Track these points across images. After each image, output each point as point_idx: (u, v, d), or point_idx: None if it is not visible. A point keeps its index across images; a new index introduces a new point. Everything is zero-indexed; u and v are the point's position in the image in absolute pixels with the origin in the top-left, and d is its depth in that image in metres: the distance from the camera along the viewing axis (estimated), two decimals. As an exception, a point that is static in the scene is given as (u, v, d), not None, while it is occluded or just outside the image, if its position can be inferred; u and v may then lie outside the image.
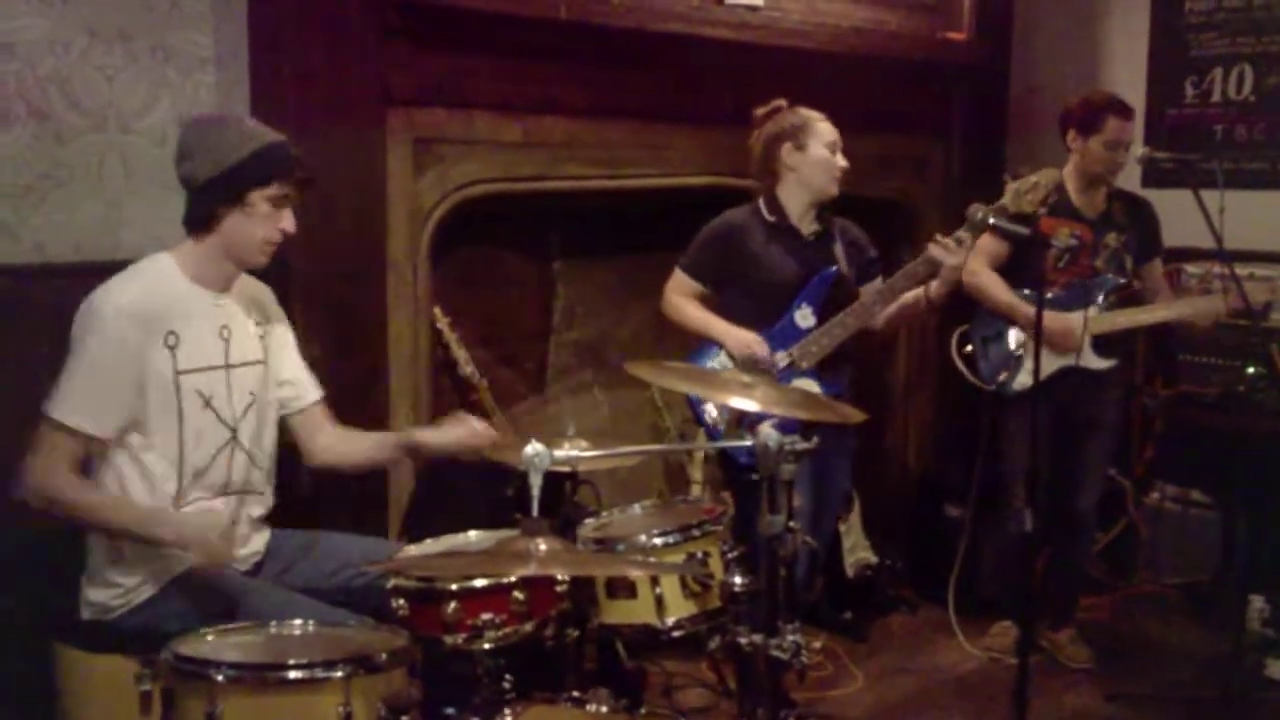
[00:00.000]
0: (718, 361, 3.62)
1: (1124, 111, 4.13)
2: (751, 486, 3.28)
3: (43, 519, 2.63)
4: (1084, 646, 4.40)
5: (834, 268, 3.61)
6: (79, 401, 2.56)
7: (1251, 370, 4.48)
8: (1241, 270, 3.99)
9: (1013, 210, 3.39)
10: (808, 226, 3.66)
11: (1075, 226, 4.12)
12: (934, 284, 3.47)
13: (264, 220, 2.70)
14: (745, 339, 3.55)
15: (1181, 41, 5.19)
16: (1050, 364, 4.02)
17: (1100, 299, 4.09)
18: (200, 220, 2.70)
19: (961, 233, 3.43)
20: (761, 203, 3.69)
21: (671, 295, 3.73)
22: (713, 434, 3.64)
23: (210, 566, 2.60)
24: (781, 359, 3.57)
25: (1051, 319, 3.91)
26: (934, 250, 3.41)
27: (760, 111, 3.73)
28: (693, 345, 3.75)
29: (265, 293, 2.94)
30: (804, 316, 3.59)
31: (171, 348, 2.65)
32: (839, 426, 3.37)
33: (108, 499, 2.65)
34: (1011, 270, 4.16)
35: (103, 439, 2.59)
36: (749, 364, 3.47)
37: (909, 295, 3.53)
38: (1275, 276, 4.49)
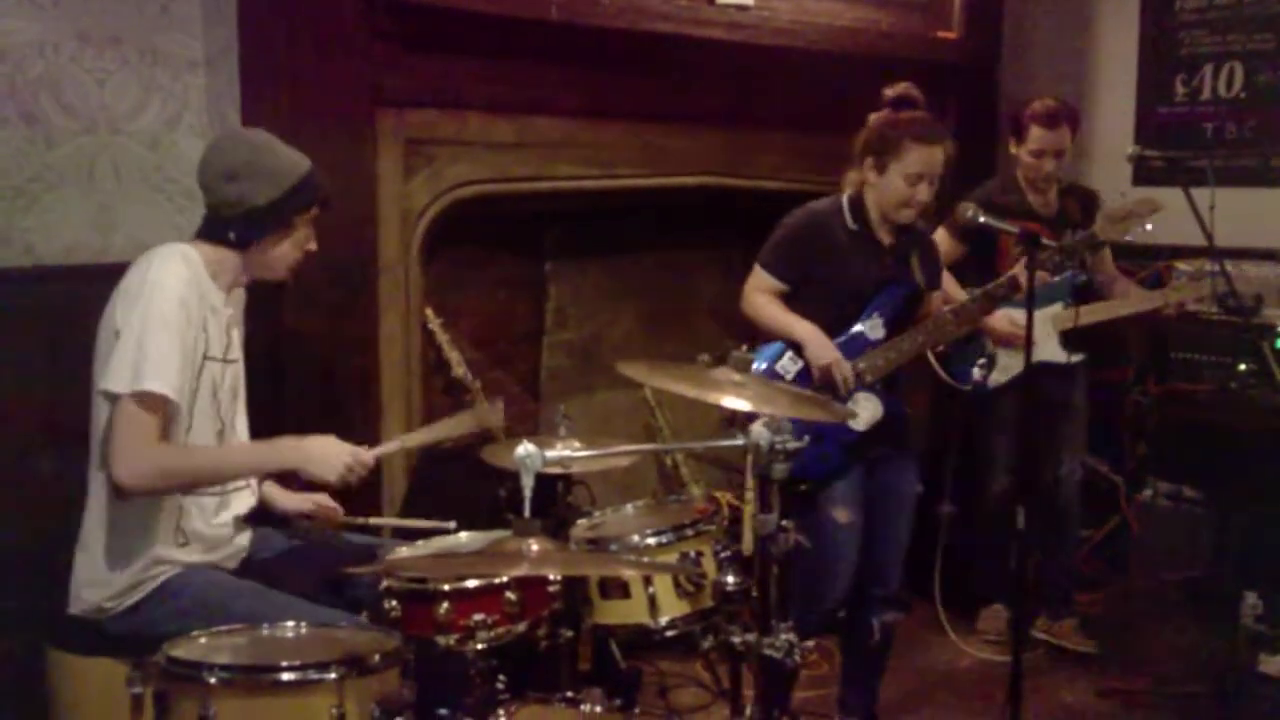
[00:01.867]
0: (782, 364, 3.45)
1: (1049, 120, 4.19)
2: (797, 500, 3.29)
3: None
4: (1087, 636, 4.44)
5: (911, 284, 3.50)
6: (160, 366, 2.52)
7: (1243, 367, 4.49)
8: (1232, 267, 4.01)
9: (1102, 238, 3.38)
10: (887, 236, 3.47)
11: (1034, 228, 4.14)
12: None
13: (300, 244, 2.79)
14: (829, 352, 3.36)
15: (1172, 39, 5.21)
16: (1022, 361, 4.06)
17: (1065, 296, 4.16)
18: (243, 240, 2.72)
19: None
20: (846, 201, 3.47)
21: (752, 294, 3.51)
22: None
23: (339, 479, 2.71)
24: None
25: (998, 318, 4.10)
26: (1019, 274, 3.43)
27: (887, 94, 3.49)
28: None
29: (244, 295, 2.95)
30: (874, 327, 3.45)
31: (204, 331, 2.67)
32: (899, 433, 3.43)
33: (212, 449, 2.72)
34: (967, 268, 4.20)
35: (179, 404, 2.57)
36: (825, 376, 3.34)
37: None
38: (1267, 274, 4.52)
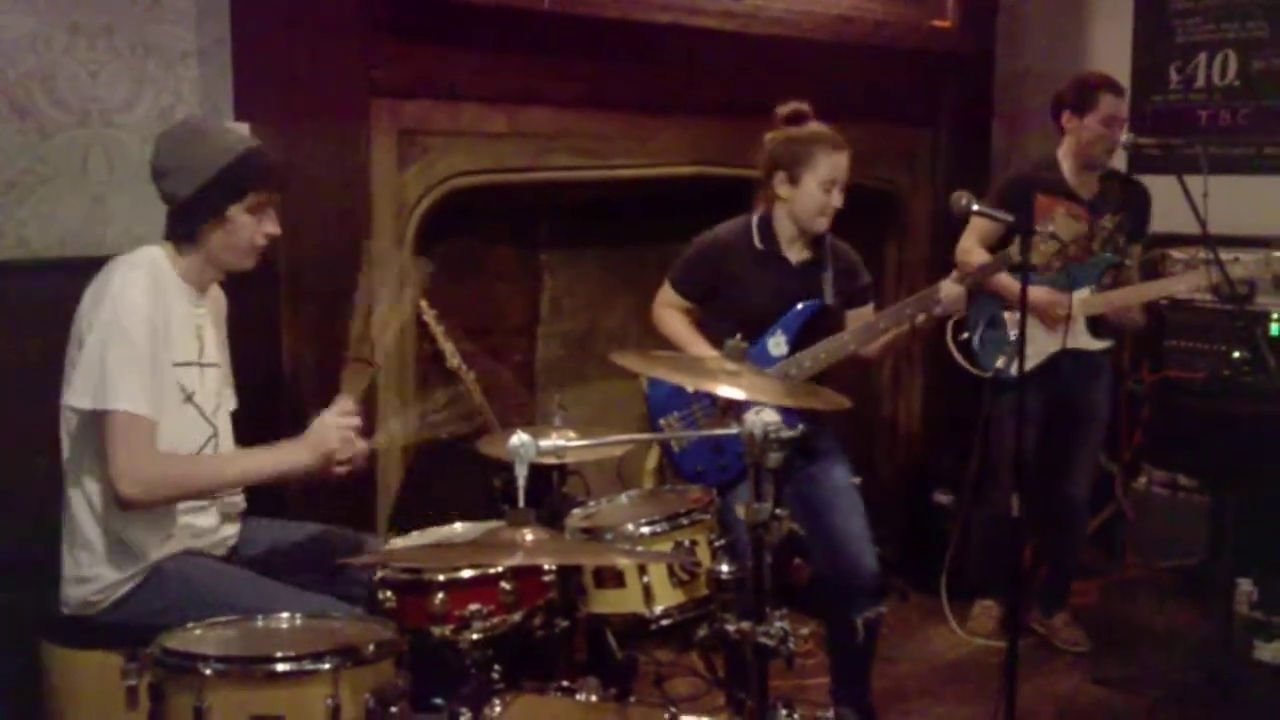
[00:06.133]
0: None
1: (1116, 89, 4.18)
2: None
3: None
4: (1079, 630, 4.44)
5: (816, 301, 3.54)
6: (136, 387, 2.53)
7: (1237, 355, 4.50)
8: (1226, 255, 4.01)
9: (1017, 260, 3.36)
10: (797, 254, 3.56)
11: (1072, 207, 4.13)
12: (921, 315, 3.46)
13: (245, 230, 2.71)
14: None
15: (1166, 27, 5.21)
16: (1045, 348, 4.06)
17: (1094, 280, 4.12)
18: (183, 236, 2.70)
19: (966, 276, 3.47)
20: (755, 223, 3.58)
21: (659, 308, 3.68)
22: (666, 449, 3.64)
23: (340, 469, 2.69)
24: None
25: (1039, 291, 4.00)
26: (944, 288, 3.40)
27: (781, 112, 3.57)
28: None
29: (224, 300, 2.94)
30: (777, 344, 3.52)
31: (165, 339, 2.65)
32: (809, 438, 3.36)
33: (214, 458, 2.73)
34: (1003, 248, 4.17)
35: (149, 417, 2.56)
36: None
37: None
38: (1259, 260, 4.52)
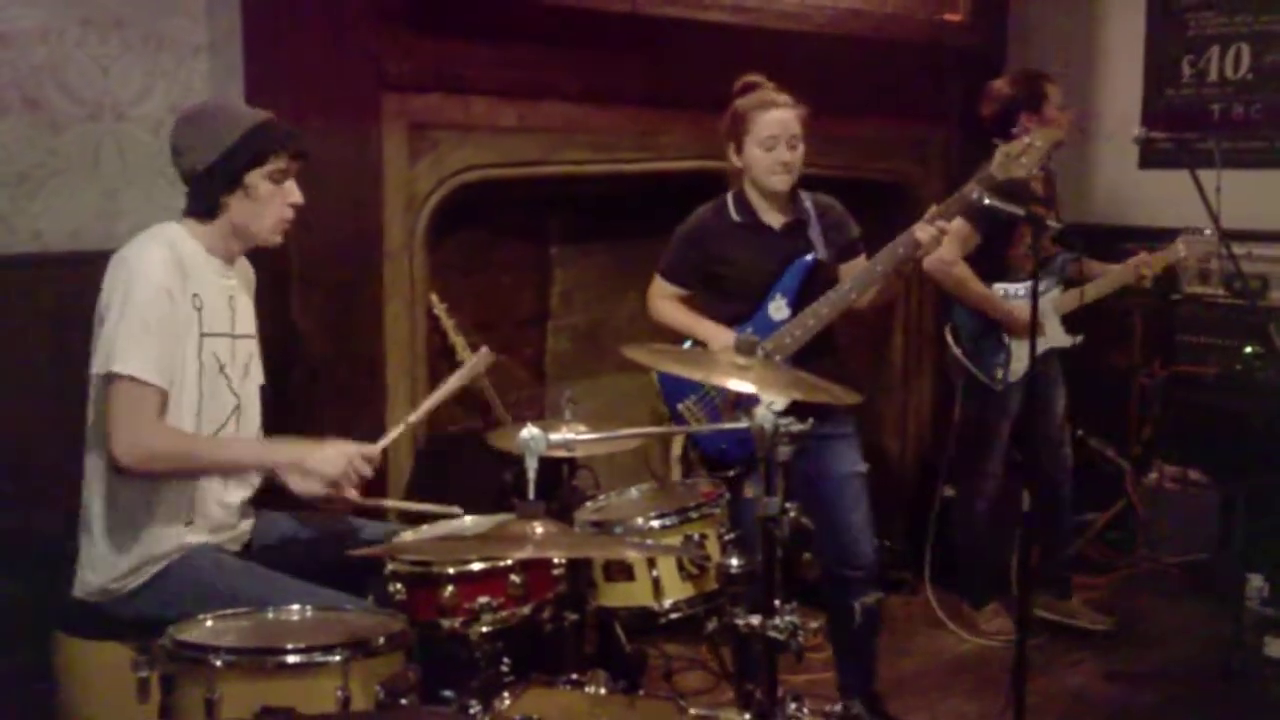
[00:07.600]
0: None
1: (1050, 76, 4.28)
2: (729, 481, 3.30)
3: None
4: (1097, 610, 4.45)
5: (809, 256, 3.51)
6: (144, 354, 2.54)
7: (1249, 349, 4.49)
8: (1239, 249, 4.00)
9: (1001, 178, 3.36)
10: (777, 219, 3.53)
11: (1042, 209, 4.13)
12: (903, 254, 3.41)
13: (268, 200, 2.72)
14: (727, 344, 3.35)
15: (1179, 21, 5.20)
16: (1038, 349, 4.07)
17: (1059, 278, 4.20)
18: (206, 209, 2.72)
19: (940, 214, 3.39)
20: (729, 199, 3.56)
21: (654, 300, 3.65)
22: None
23: (340, 475, 2.68)
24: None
25: (1020, 309, 3.99)
26: (920, 235, 3.38)
27: (734, 89, 3.55)
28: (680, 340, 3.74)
29: (252, 272, 2.95)
30: (778, 308, 3.49)
31: (198, 309, 2.67)
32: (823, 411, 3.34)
33: (212, 439, 2.71)
34: (981, 259, 4.16)
35: (157, 386, 2.57)
36: None
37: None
38: (1274, 255, 4.52)
